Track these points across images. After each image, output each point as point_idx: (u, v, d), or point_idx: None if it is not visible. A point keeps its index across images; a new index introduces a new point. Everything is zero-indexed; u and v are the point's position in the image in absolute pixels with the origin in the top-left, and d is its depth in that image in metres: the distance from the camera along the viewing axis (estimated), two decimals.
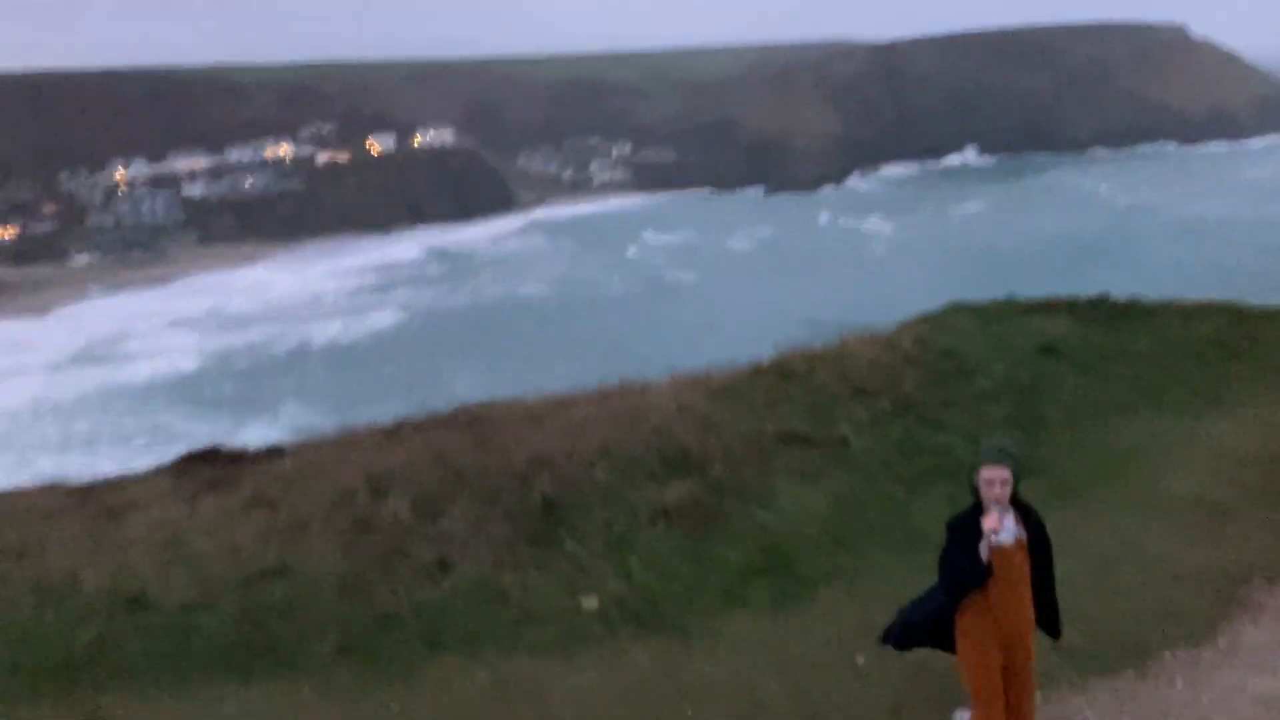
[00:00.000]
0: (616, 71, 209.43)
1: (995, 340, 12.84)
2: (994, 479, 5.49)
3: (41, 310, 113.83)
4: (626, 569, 8.58)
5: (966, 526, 5.56)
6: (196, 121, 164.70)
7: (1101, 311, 13.85)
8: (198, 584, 8.85)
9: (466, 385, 57.46)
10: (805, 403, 10.74)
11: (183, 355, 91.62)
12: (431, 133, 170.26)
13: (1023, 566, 5.60)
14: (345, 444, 12.60)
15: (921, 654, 7.56)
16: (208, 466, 12.42)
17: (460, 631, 8.21)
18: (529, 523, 9.06)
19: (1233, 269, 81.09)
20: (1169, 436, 10.60)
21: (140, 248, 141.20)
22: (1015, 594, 5.62)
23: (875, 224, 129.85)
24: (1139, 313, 13.74)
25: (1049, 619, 5.91)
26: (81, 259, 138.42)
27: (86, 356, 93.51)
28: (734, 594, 8.34)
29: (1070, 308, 13.85)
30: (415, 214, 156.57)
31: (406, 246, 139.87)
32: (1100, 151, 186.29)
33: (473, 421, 12.85)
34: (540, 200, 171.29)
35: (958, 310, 13.98)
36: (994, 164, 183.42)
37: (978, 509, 5.54)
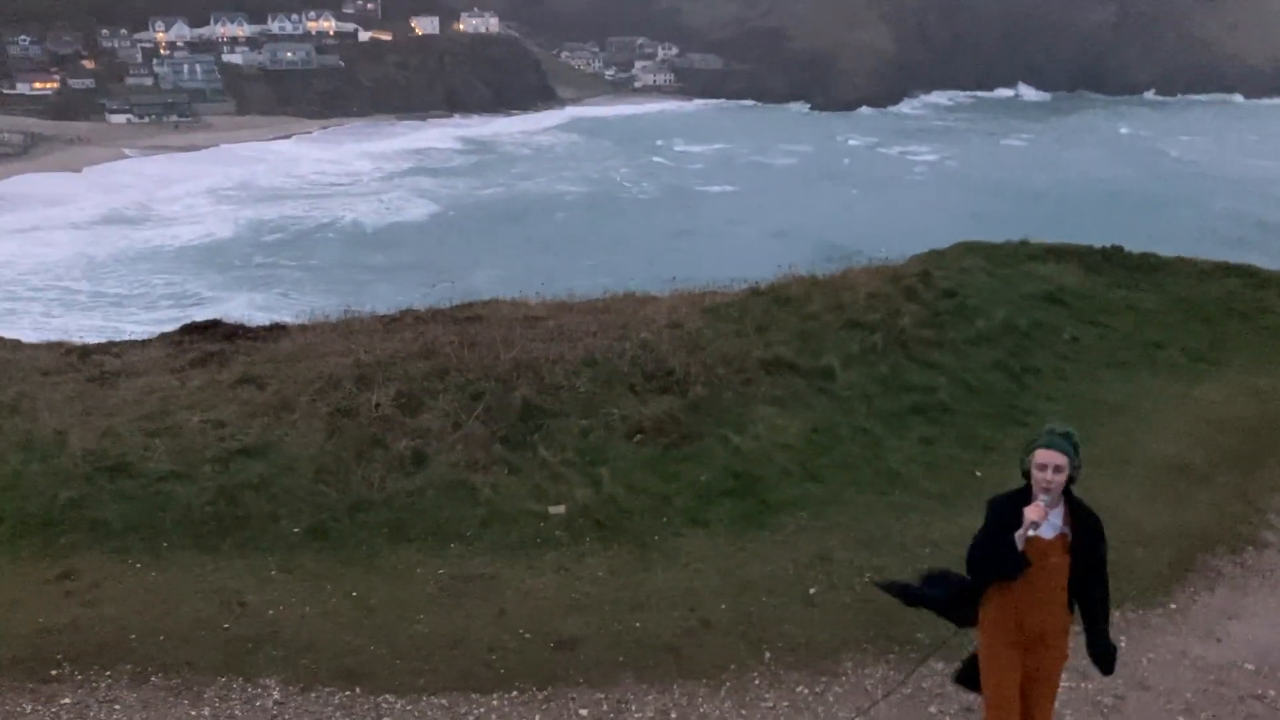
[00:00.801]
0: None
1: (1001, 283, 12.72)
2: (1048, 463, 4.87)
3: (76, 167, 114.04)
4: (596, 479, 8.67)
5: (1008, 510, 4.97)
6: None
7: (1114, 262, 13.69)
8: (179, 455, 9.02)
9: (487, 278, 57.55)
10: (796, 330, 10.71)
11: (212, 224, 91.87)
12: (476, 19, 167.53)
13: (1059, 567, 5.00)
14: (344, 329, 12.74)
15: (873, 591, 7.70)
16: (207, 339, 12.60)
17: (427, 525, 8.37)
18: (506, 425, 9.15)
19: (1272, 228, 79.47)
20: (1158, 396, 10.55)
21: (176, 112, 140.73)
22: (1046, 594, 5.03)
23: (917, 150, 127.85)
24: (1151, 267, 13.59)
25: (1099, 645, 5.15)
26: (118, 119, 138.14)
27: (118, 217, 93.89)
28: (698, 514, 8.43)
29: (1082, 256, 13.69)
30: (452, 101, 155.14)
31: (442, 134, 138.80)
32: (1157, 97, 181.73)
33: (472, 318, 12.95)
34: (580, 98, 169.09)
35: (969, 249, 13.84)
36: (1045, 101, 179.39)
37: (1024, 493, 4.97)
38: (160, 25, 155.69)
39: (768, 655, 7.05)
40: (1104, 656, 5.18)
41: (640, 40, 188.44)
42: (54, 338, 17.41)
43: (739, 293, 11.84)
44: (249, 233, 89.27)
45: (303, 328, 13.24)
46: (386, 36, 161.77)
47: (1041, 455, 4.90)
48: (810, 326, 10.77)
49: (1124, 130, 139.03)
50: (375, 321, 13.32)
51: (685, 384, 9.63)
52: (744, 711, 6.62)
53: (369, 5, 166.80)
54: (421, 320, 13.24)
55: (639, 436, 9.13)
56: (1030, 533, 4.87)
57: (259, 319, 16.84)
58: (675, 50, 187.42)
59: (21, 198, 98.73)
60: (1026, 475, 4.99)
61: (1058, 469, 4.87)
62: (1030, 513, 4.84)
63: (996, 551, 4.95)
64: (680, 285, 13.97)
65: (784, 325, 10.79)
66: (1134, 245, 15.05)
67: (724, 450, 9.06)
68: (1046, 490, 4.88)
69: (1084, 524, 5.04)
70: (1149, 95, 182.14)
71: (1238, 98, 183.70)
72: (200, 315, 16.50)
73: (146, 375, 10.77)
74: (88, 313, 66.75)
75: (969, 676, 5.55)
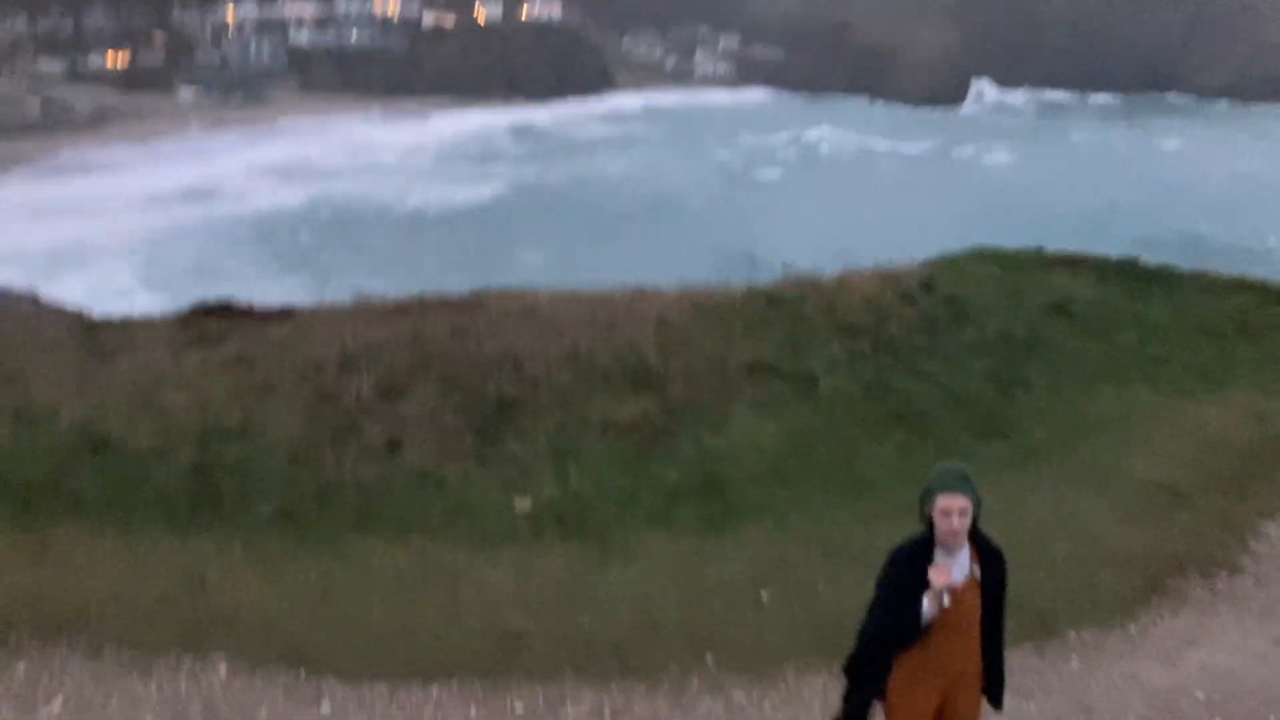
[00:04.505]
0: None
1: (1008, 291, 12.52)
2: (952, 509, 4.58)
3: (144, 139, 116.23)
4: (565, 475, 8.71)
5: (911, 565, 4.66)
6: None
7: (1128, 275, 13.40)
8: (161, 434, 9.21)
9: (532, 266, 57.92)
10: (785, 332, 10.64)
11: (272, 202, 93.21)
12: (538, 5, 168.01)
13: (974, 608, 4.77)
14: (348, 314, 12.86)
15: (827, 599, 7.66)
16: (214, 319, 12.81)
17: (394, 514, 8.46)
18: (481, 417, 9.21)
19: None
20: (1152, 414, 10.32)
21: (243, 90, 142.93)
22: (963, 638, 4.80)
23: (972, 149, 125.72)
24: (1166, 280, 13.28)
25: (993, 681, 5.03)
26: (185, 94, 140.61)
27: (185, 191, 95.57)
28: (662, 514, 8.43)
29: (1097, 267, 13.42)
30: (513, 87, 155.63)
31: (501, 118, 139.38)
32: (1227, 105, 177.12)
33: (475, 307, 13.03)
34: (640, 86, 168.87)
35: (981, 256, 13.64)
36: (1110, 104, 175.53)
37: (927, 543, 4.68)
38: (230, 3, 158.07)
39: (710, 659, 7.05)
40: (998, 689, 5.06)
41: (702, 29, 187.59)
42: (125, 309, 17.76)
43: (735, 292, 11.77)
44: (305, 214, 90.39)
45: (312, 311, 13.40)
46: (450, 20, 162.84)
47: (944, 501, 4.62)
48: (799, 330, 10.69)
49: (1194, 148, 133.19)
50: (383, 307, 13.45)
51: (664, 383, 9.62)
52: (679, 714, 6.63)
53: None
54: (427, 308, 13.36)
55: (613, 434, 9.14)
56: (945, 601, 4.58)
57: (294, 300, 17.06)
58: (737, 40, 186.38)
59: (94, 168, 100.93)
60: (925, 521, 4.72)
61: (963, 513, 4.61)
62: (937, 578, 4.56)
63: (898, 616, 4.67)
64: (689, 281, 13.94)
65: (773, 327, 10.72)
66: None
67: (696, 451, 9.05)
68: (954, 536, 4.64)
69: (991, 561, 4.85)
70: (1221, 103, 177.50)
71: None
72: (248, 294, 16.60)
73: (143, 352, 10.97)
74: (154, 290, 68.05)
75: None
